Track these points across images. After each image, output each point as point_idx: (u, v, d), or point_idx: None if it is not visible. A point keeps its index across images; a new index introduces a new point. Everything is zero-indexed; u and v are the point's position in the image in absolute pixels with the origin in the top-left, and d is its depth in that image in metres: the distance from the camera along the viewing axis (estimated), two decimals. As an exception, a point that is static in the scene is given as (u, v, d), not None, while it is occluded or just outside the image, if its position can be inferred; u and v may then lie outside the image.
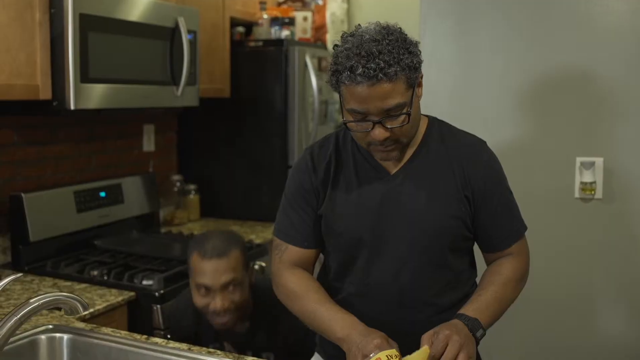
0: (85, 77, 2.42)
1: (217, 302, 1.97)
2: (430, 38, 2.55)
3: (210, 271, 1.97)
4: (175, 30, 2.87)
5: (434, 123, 1.76)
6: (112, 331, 1.84)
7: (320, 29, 3.90)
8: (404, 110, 1.52)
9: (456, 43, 2.53)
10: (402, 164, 1.67)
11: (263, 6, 3.66)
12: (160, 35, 2.81)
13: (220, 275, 1.97)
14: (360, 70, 1.46)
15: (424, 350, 1.39)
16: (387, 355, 1.34)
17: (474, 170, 1.66)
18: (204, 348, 1.76)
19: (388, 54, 1.47)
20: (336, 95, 3.72)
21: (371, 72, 1.46)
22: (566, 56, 2.39)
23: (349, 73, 1.48)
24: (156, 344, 1.77)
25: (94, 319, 2.10)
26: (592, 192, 2.33)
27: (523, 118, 2.46)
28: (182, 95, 2.91)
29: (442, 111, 2.59)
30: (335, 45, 1.58)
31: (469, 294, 1.69)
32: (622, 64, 2.33)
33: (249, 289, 2.07)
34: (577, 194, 2.37)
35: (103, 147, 3.09)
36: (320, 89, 3.51)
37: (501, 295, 1.63)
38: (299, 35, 3.76)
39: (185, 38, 2.87)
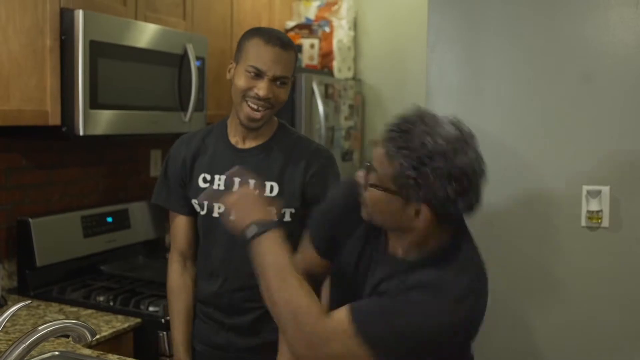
0: (94, 103, 2.44)
1: (264, 88, 1.89)
2: (437, 65, 2.57)
3: (270, 58, 1.89)
4: (183, 57, 2.90)
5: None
6: (118, 358, 1.84)
7: (327, 55, 3.92)
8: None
9: (463, 70, 2.55)
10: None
11: (270, 33, 3.69)
12: (169, 62, 2.84)
13: (277, 65, 1.90)
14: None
15: None
16: None
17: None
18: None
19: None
20: (342, 122, 3.76)
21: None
22: (573, 84, 2.40)
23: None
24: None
25: (100, 345, 2.10)
26: (599, 221, 2.33)
27: (530, 146, 2.46)
28: (190, 120, 2.92)
29: (448, 139, 2.62)
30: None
31: None
32: (628, 93, 2.34)
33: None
34: (583, 223, 2.37)
35: (111, 172, 3.11)
36: (327, 116, 3.53)
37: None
38: (305, 62, 3.79)
39: (193, 65, 2.90)
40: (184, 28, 3.03)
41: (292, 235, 1.95)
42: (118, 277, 2.75)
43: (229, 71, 1.99)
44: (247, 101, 1.91)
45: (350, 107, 3.93)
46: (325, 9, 4.04)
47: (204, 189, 1.98)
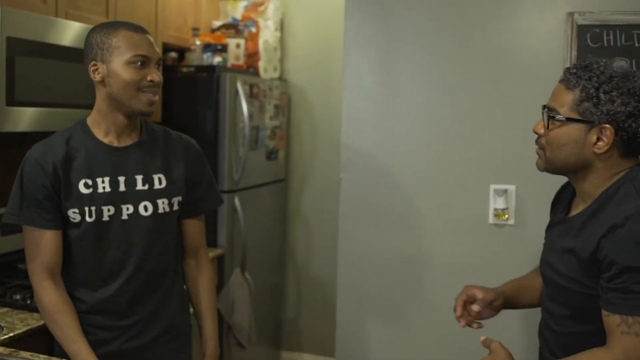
0: (11, 100, 2.42)
1: (156, 73, 1.90)
2: (353, 68, 2.65)
3: (147, 44, 1.89)
4: (105, 55, 2.89)
5: None
6: (30, 355, 1.84)
7: (252, 56, 3.96)
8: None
9: (378, 73, 2.64)
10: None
11: (196, 32, 3.71)
12: (90, 60, 2.83)
13: (154, 49, 1.92)
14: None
15: None
16: None
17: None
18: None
19: None
20: (267, 121, 3.80)
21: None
22: (482, 87, 2.52)
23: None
24: (75, 367, 1.78)
25: (14, 343, 2.08)
26: (505, 218, 2.45)
27: (442, 146, 2.57)
28: (112, 119, 2.91)
29: (365, 138, 2.71)
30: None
31: None
32: (534, 96, 2.47)
33: None
34: (491, 220, 2.49)
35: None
36: (251, 115, 3.57)
37: None
38: (231, 61, 3.82)
39: (115, 63, 2.89)
40: (106, 26, 3.02)
41: (178, 221, 2.08)
42: (36, 276, 2.72)
43: (96, 72, 1.89)
44: (143, 91, 1.89)
45: (276, 107, 3.98)
46: (252, 10, 4.08)
47: (88, 194, 1.90)
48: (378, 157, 2.67)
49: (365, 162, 2.70)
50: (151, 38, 1.94)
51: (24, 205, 1.89)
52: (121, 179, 1.94)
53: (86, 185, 1.90)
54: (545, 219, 2.44)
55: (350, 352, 2.80)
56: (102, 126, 1.95)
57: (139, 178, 1.96)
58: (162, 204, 1.99)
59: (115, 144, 1.96)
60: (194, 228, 2.14)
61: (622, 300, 1.48)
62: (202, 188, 2.11)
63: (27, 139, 2.99)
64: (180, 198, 2.03)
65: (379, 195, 2.70)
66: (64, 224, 1.92)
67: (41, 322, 2.23)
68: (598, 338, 1.58)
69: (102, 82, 1.89)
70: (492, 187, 2.48)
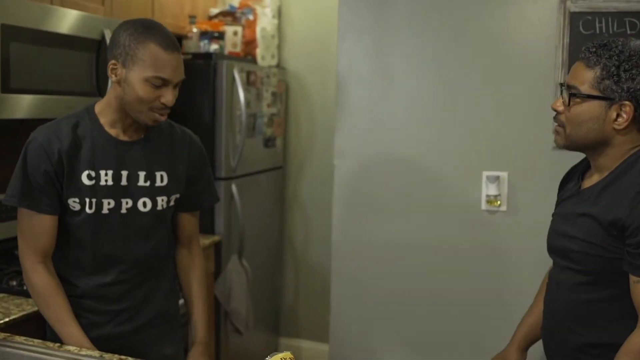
0: (6, 87, 2.43)
1: (171, 96, 1.87)
2: (347, 55, 2.66)
3: (172, 66, 1.85)
4: (102, 42, 2.90)
5: None
6: (25, 339, 1.87)
7: (250, 43, 3.97)
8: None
9: (372, 60, 2.65)
10: None
11: (193, 20, 3.71)
12: (87, 47, 2.84)
13: (179, 71, 1.88)
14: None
15: None
16: (281, 358, 1.42)
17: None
18: (116, 355, 1.80)
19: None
20: (264, 109, 3.82)
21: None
22: (475, 75, 2.53)
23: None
24: (69, 351, 1.80)
25: (10, 328, 2.11)
26: (498, 205, 2.47)
27: (435, 133, 2.59)
28: (108, 106, 2.93)
29: (359, 125, 2.72)
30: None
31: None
32: (527, 84, 2.48)
33: None
34: (483, 206, 2.51)
35: (27, 157, 3.08)
36: (248, 103, 3.58)
37: None
38: (229, 49, 3.83)
39: (111, 50, 2.90)
40: (102, 13, 3.03)
41: (171, 217, 2.10)
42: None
43: (113, 72, 1.87)
44: (153, 110, 1.88)
45: (274, 94, 3.99)
46: (250, -3, 4.08)
47: (90, 186, 1.91)
48: (372, 144, 2.69)
49: (359, 149, 2.71)
50: (180, 57, 1.89)
51: (25, 189, 1.89)
52: (124, 173, 1.95)
53: (89, 177, 1.91)
54: (537, 205, 2.47)
55: (345, 339, 2.83)
56: (109, 118, 1.95)
57: (142, 174, 1.97)
58: (162, 201, 2.01)
59: (121, 137, 1.96)
60: (188, 220, 2.17)
61: None
62: (201, 185, 2.12)
63: (24, 126, 3.02)
64: (178, 195, 2.05)
65: (372, 182, 2.72)
66: (63, 211, 1.93)
67: (37, 308, 2.26)
68: (616, 304, 1.64)
69: (118, 83, 1.88)
70: (485, 173, 2.49)
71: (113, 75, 1.88)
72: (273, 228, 4.19)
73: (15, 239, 2.79)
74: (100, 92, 2.91)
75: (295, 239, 4.33)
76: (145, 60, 1.82)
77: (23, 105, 2.52)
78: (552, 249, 1.82)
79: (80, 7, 2.86)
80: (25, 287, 2.43)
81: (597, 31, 2.34)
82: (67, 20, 2.70)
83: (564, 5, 2.38)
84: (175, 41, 1.89)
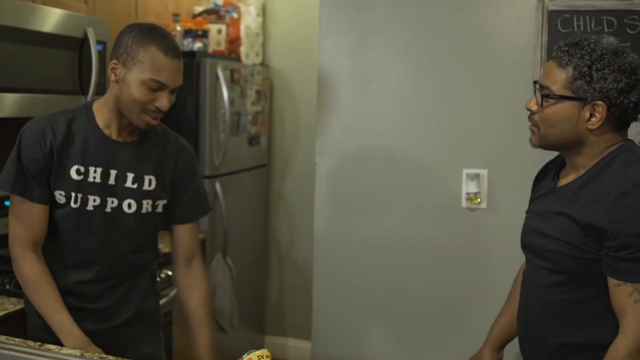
0: (-13, 86, 2.43)
1: (166, 101, 1.88)
2: (328, 53, 2.67)
3: (171, 71, 1.86)
4: (84, 41, 2.90)
5: None
6: (6, 339, 1.87)
7: (234, 41, 3.97)
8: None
9: (352, 58, 2.67)
10: None
11: (176, 18, 3.71)
12: (69, 46, 2.84)
13: (178, 77, 1.90)
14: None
15: None
16: (258, 356, 1.43)
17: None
18: (97, 354, 1.81)
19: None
20: (249, 107, 3.82)
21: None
22: (455, 73, 2.55)
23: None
24: (49, 350, 1.80)
25: (-9, 327, 2.12)
26: (478, 202, 2.49)
27: (415, 131, 2.60)
28: (91, 104, 2.93)
29: (340, 124, 2.73)
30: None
31: None
32: (506, 82, 2.50)
33: None
34: (464, 204, 2.53)
35: (8, 156, 3.07)
36: (232, 101, 3.59)
37: None
38: (213, 47, 3.83)
39: (94, 48, 2.90)
40: (85, 12, 3.02)
41: (168, 227, 2.10)
42: (16, 261, 2.74)
43: (114, 72, 1.90)
44: (146, 112, 1.89)
45: (258, 92, 4.00)
46: (234, -5, 4.09)
47: (77, 181, 1.93)
48: (352, 142, 2.71)
49: (339, 147, 2.73)
50: (180, 64, 1.91)
51: (18, 176, 1.92)
52: (112, 172, 1.96)
53: (78, 172, 1.93)
54: (517, 202, 2.47)
55: (327, 337, 2.84)
56: (105, 116, 1.97)
57: (130, 176, 1.98)
58: (146, 204, 2.01)
59: (115, 137, 1.98)
60: (185, 235, 2.14)
61: (636, 269, 1.53)
62: (189, 195, 2.11)
63: (6, 124, 3.01)
64: (165, 202, 2.05)
65: (353, 180, 2.73)
66: (50, 202, 1.96)
67: (18, 307, 2.26)
68: (592, 304, 1.64)
69: (116, 82, 1.90)
70: (465, 171, 2.51)
71: (113, 75, 1.90)
72: (257, 226, 4.20)
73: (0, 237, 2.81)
74: (83, 90, 2.91)
75: (279, 237, 4.34)
76: (145, 62, 1.84)
77: (6, 103, 2.52)
78: (526, 246, 1.82)
79: (63, 5, 2.86)
80: (7, 287, 2.44)
81: (575, 29, 2.36)
82: (49, 19, 2.70)
83: (542, 3, 2.40)
84: (177, 47, 1.91)
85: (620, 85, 1.57)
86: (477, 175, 2.48)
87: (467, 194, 2.50)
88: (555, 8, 2.39)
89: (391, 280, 2.72)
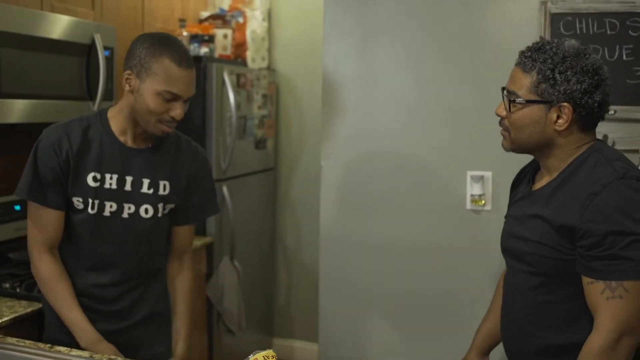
0: (-3, 92, 2.47)
1: (180, 110, 1.92)
2: (333, 57, 2.70)
3: (184, 82, 1.90)
4: (92, 47, 2.94)
5: None
6: (17, 341, 1.90)
7: (240, 46, 4.00)
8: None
9: (356, 61, 2.69)
10: None
11: (183, 23, 3.75)
12: (77, 52, 2.87)
13: (191, 87, 1.94)
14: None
15: None
16: (264, 356, 1.45)
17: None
18: (106, 355, 1.84)
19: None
20: (255, 111, 3.85)
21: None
22: (459, 75, 2.57)
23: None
24: (59, 352, 1.84)
25: (1, 330, 2.14)
26: (482, 204, 2.51)
27: (420, 134, 2.62)
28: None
29: (345, 127, 2.75)
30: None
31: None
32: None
33: None
34: (468, 206, 2.54)
35: (18, 161, 3.10)
36: (238, 105, 3.62)
37: None
38: (219, 52, 3.86)
39: (101, 54, 2.93)
40: (92, 18, 3.06)
41: (169, 225, 2.15)
42: (26, 265, 2.76)
43: (128, 82, 1.93)
44: (161, 122, 1.93)
45: (264, 96, 4.03)
46: (239, 0, 4.11)
47: (94, 188, 1.98)
48: (357, 145, 2.73)
49: (345, 150, 2.75)
50: (193, 73, 1.94)
51: (34, 183, 1.97)
52: (128, 178, 2.01)
53: (94, 179, 1.98)
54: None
55: (333, 339, 2.86)
56: (120, 124, 2.02)
57: (146, 182, 2.03)
58: (161, 209, 2.07)
59: (130, 143, 2.03)
60: (185, 233, 2.21)
61: (607, 267, 1.56)
62: (199, 197, 2.16)
63: (16, 130, 3.05)
64: (173, 205, 2.10)
65: (358, 183, 2.75)
66: (68, 207, 2.01)
67: (29, 310, 2.30)
68: (572, 304, 1.66)
69: (131, 92, 1.94)
70: (469, 173, 2.53)
71: (127, 85, 1.94)
72: (264, 229, 4.22)
73: (8, 241, 2.84)
74: (91, 96, 2.94)
75: (286, 240, 4.37)
76: (158, 74, 1.88)
77: (14, 110, 2.55)
78: (505, 251, 1.85)
79: (70, 12, 2.89)
80: (18, 290, 2.47)
81: (578, 32, 2.38)
82: (57, 26, 2.73)
83: (545, 6, 2.42)
84: (189, 58, 1.94)
85: (583, 86, 1.61)
86: (482, 177, 2.50)
87: (472, 195, 2.52)
88: (557, 11, 2.40)
89: (397, 282, 2.74)
